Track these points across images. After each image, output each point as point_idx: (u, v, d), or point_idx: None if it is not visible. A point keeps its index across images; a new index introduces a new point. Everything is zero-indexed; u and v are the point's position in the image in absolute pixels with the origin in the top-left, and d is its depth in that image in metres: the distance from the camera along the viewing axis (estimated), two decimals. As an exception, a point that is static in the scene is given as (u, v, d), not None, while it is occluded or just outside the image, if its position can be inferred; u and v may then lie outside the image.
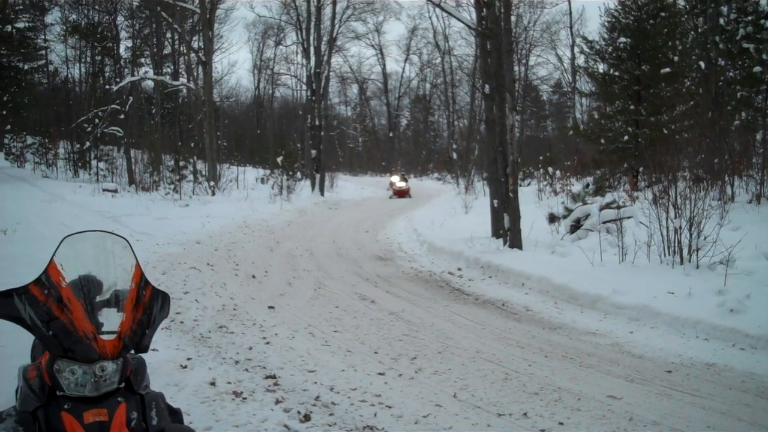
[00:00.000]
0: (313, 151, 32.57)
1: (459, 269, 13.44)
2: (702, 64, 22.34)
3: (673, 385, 6.46)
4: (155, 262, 12.49)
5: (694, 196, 11.44)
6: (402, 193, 34.15)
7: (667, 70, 21.79)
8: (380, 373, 6.84)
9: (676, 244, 11.31)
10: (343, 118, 63.26)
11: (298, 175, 32.09)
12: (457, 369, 7.01)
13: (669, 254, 11.43)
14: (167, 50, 42.04)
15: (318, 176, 31.97)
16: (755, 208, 15.33)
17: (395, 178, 36.44)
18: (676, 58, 22.87)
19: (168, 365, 6.73)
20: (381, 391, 6.29)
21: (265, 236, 17.66)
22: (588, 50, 25.26)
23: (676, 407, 5.85)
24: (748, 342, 7.84)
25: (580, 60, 32.63)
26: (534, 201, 22.43)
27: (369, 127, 63.95)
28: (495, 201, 15.64)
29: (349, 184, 40.31)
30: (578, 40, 35.45)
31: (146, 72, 37.77)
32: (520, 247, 14.10)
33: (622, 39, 22.21)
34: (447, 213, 22.26)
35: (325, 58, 35.83)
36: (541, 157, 30.22)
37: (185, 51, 39.82)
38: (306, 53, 34.97)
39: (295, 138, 43.89)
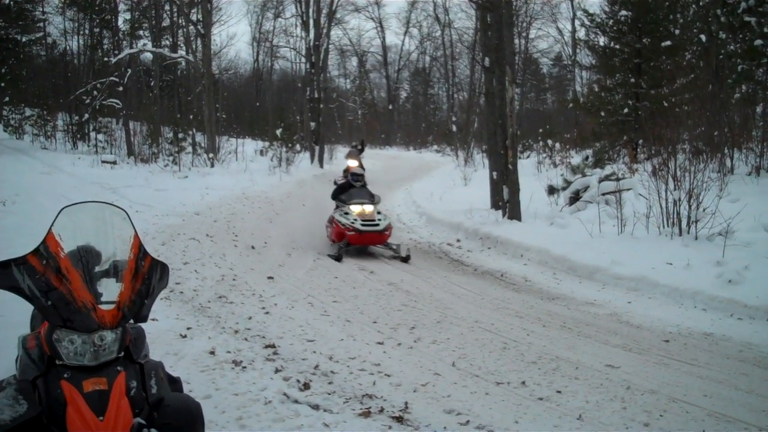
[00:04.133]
0: (312, 124, 32.41)
1: (458, 240, 13.47)
2: (703, 37, 22.16)
3: (671, 355, 6.51)
4: (154, 233, 12.48)
5: (694, 168, 11.43)
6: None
7: (668, 43, 21.64)
8: (379, 343, 6.89)
9: (675, 216, 11.31)
10: (342, 91, 62.87)
11: (297, 147, 31.94)
12: (455, 338, 7.05)
13: (668, 226, 11.44)
14: (166, 22, 41.69)
15: (317, 148, 31.83)
16: (755, 180, 15.31)
17: (353, 163, 21.85)
18: (677, 31, 22.72)
19: (168, 335, 6.75)
20: (380, 360, 6.33)
21: (265, 208, 17.64)
22: (589, 23, 25.05)
23: (673, 376, 5.89)
24: (746, 312, 7.89)
25: (581, 33, 32.57)
26: (533, 173, 22.37)
27: (368, 100, 63.59)
28: (494, 173, 15.63)
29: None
30: (579, 13, 35.34)
31: (145, 44, 37.44)
32: (519, 219, 14.10)
33: (623, 12, 22.00)
34: (446, 185, 22.23)
35: (325, 30, 35.57)
36: (540, 130, 30.06)
37: (184, 23, 39.49)
38: (305, 26, 34.62)
39: (295, 110, 43.64)
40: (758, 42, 19.68)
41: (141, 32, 41.02)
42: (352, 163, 21.73)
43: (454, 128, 37.83)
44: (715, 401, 5.35)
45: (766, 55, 19.89)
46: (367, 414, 5.07)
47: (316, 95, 32.49)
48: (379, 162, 37.31)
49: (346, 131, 55.68)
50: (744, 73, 20.83)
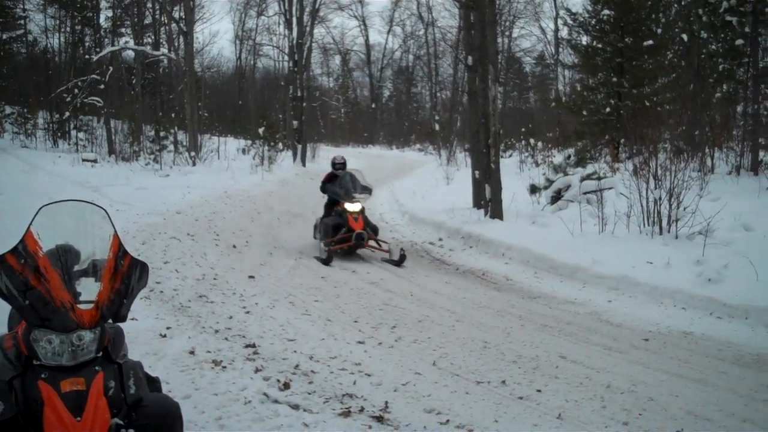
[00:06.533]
0: (295, 122, 32.38)
1: (440, 239, 13.49)
2: (684, 36, 22.31)
3: (650, 353, 6.55)
4: (135, 232, 12.42)
5: (675, 167, 11.50)
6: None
7: (650, 42, 21.77)
8: (360, 342, 6.88)
9: (656, 215, 11.37)
10: (325, 89, 62.83)
11: (280, 145, 31.87)
12: (436, 338, 7.05)
13: (648, 225, 11.50)
14: (148, 20, 41.45)
15: (299, 147, 31.81)
16: (735, 179, 15.44)
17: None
18: (659, 31, 22.87)
19: (147, 334, 6.71)
20: (360, 359, 6.32)
21: (246, 206, 17.60)
22: (571, 22, 25.18)
23: (652, 375, 5.92)
24: (725, 311, 7.94)
25: (564, 32, 32.69)
26: (515, 172, 22.46)
27: (351, 99, 63.60)
28: (477, 172, 15.65)
29: (331, 155, 40.06)
30: (562, 12, 35.39)
31: (126, 42, 37.20)
32: (501, 218, 14.14)
33: (606, 11, 22.11)
34: (429, 184, 22.24)
35: (308, 28, 35.49)
36: (523, 129, 30.20)
37: (166, 21, 39.26)
38: (288, 24, 34.61)
39: (277, 109, 43.61)
40: (739, 41, 19.82)
41: (123, 30, 40.79)
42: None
43: (437, 127, 37.93)
44: (694, 400, 5.37)
45: (747, 54, 20.05)
46: (347, 414, 5.05)
47: (299, 93, 32.45)
48: (362, 161, 37.24)
49: (329, 130, 55.63)
50: (725, 72, 20.98)
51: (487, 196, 14.43)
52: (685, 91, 21.33)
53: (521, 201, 15.47)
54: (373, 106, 62.18)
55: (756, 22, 19.50)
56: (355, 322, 7.66)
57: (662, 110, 21.15)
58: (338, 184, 12.22)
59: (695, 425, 4.91)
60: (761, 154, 17.46)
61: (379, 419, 4.99)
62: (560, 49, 41.87)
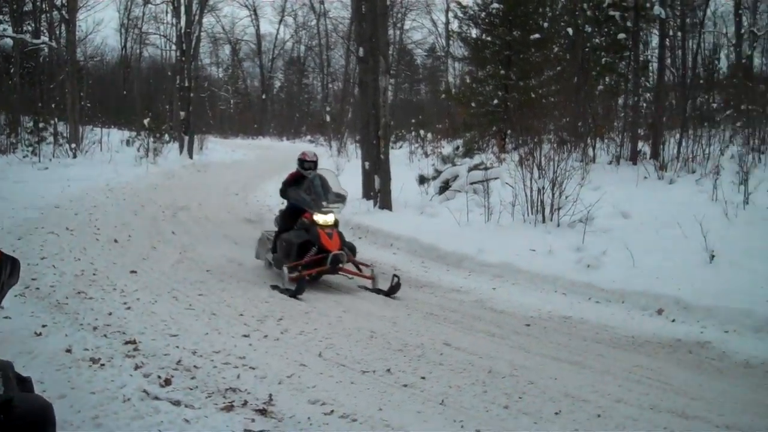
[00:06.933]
0: (182, 113, 31.60)
1: (329, 231, 13.44)
2: (570, 30, 23.02)
3: (531, 338, 6.71)
4: (11, 228, 11.87)
5: (558, 157, 11.86)
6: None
7: (537, 36, 22.38)
8: (245, 335, 6.75)
9: (539, 204, 11.69)
10: (214, 80, 61.74)
11: (166, 137, 31.18)
12: (323, 329, 7.00)
13: (532, 214, 11.80)
14: (28, 7, 39.71)
15: (186, 138, 31.16)
16: (615, 168, 16.02)
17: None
18: (545, 25, 23.50)
19: (21, 333, 6.39)
20: (245, 353, 6.20)
21: (130, 199, 17.09)
22: (462, 15, 25.54)
23: (533, 359, 6.06)
24: (602, 296, 8.24)
25: (454, 25, 33.08)
26: (405, 163, 22.62)
27: (241, 89, 62.80)
28: (367, 163, 15.67)
29: (220, 146, 39.39)
30: (452, 5, 35.79)
31: (5, 30, 35.55)
32: (390, 209, 14.23)
33: (495, 5, 22.55)
34: (319, 176, 22.12)
35: (196, 17, 34.68)
36: (413, 120, 30.47)
37: (47, 8, 37.72)
38: (176, 12, 33.69)
39: (164, 99, 42.52)
40: (621, 35, 20.62)
41: (0, 17, 38.91)
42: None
43: (328, 118, 37.88)
44: (572, 382, 5.52)
45: (629, 48, 20.85)
46: (229, 408, 4.96)
47: (187, 84, 31.72)
48: (252, 152, 36.91)
49: (218, 121, 54.76)
50: (607, 65, 21.82)
51: (377, 187, 14.49)
52: (570, 84, 22.02)
53: (410, 192, 15.61)
54: (264, 97, 61.52)
55: (637, 17, 20.35)
56: (241, 315, 7.52)
57: (547, 102, 21.78)
58: (306, 188, 9.61)
59: (572, 407, 5.04)
60: (640, 144, 18.19)
61: (263, 412, 4.91)
62: (451, 42, 42.47)
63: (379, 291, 8.71)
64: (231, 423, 4.74)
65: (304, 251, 8.94)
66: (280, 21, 60.91)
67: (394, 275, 8.75)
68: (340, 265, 8.83)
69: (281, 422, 4.79)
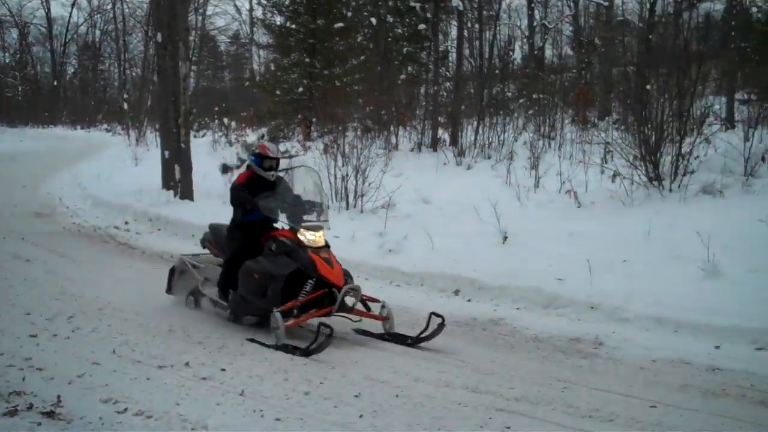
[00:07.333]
0: (-36, 100, 29.43)
1: (126, 223, 12.99)
2: (373, 20, 23.35)
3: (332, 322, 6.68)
4: None
5: (362, 145, 12.02)
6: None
7: (341, 24, 22.52)
8: (32, 335, 6.35)
9: (344, 191, 11.78)
10: (0, 66, 57.79)
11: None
12: (118, 325, 6.74)
13: (337, 200, 11.88)
14: None
15: (-32, 127, 28.95)
16: (416, 155, 16.44)
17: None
18: (349, 14, 23.67)
19: None
20: (32, 354, 5.83)
21: None
22: (266, 2, 25.29)
23: (337, 346, 6.08)
24: (403, 279, 8.54)
25: (258, 12, 32.66)
26: (208, 152, 22.06)
27: (30, 76, 59.09)
28: (166, 152, 15.11)
29: (6, 136, 37.13)
30: (257, -8, 35.43)
31: None
32: (191, 198, 13.92)
33: (299, -8, 22.49)
34: (115, 166, 21.08)
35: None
36: (217, 108, 29.89)
37: None
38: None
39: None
40: (422, 26, 21.21)
41: None
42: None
43: (126, 106, 36.28)
44: (372, 365, 5.68)
45: (429, 38, 21.48)
46: (14, 413, 4.63)
47: (-33, 68, 29.43)
48: (43, 142, 34.84)
49: (5, 109, 51.33)
50: (409, 55, 22.37)
51: (177, 177, 14.08)
52: (373, 73, 22.37)
53: (214, 181, 15.28)
54: (56, 83, 58.14)
55: (437, 9, 21.05)
56: (28, 314, 7.05)
57: (351, 91, 21.98)
58: (280, 195, 7.09)
59: (372, 388, 5.14)
60: (440, 132, 18.78)
61: (50, 414, 4.63)
62: (255, 29, 42.01)
63: (398, 336, 6.46)
64: (15, 428, 4.45)
65: (294, 285, 6.40)
66: (73, 4, 57.58)
67: (433, 313, 6.35)
68: (351, 307, 6.43)
69: (70, 424, 4.55)
